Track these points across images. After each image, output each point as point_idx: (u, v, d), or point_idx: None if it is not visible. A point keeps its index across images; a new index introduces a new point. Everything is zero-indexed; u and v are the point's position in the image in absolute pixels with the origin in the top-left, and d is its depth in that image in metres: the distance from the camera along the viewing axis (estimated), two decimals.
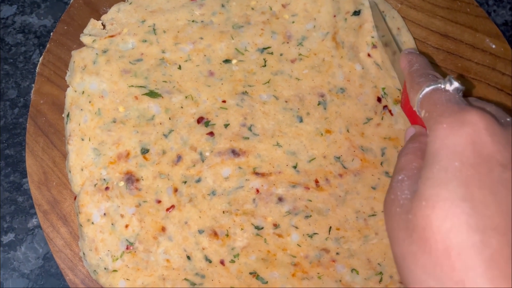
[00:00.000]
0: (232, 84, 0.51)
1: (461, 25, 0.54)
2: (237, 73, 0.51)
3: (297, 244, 0.48)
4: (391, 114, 0.51)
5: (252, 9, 0.53)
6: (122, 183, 0.48)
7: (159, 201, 0.48)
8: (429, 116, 0.33)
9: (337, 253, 0.48)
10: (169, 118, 0.50)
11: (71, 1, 0.54)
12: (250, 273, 0.47)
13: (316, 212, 0.49)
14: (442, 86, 0.34)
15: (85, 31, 0.52)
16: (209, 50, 0.52)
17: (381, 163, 0.50)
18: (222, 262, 0.47)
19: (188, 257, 0.47)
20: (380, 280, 0.48)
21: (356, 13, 0.53)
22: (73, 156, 0.48)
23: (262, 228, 0.48)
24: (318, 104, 0.51)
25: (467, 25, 0.54)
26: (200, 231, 0.48)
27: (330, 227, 0.48)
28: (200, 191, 0.48)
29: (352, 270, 0.48)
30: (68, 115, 0.49)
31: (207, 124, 0.50)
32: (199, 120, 0.50)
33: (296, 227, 0.48)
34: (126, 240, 0.47)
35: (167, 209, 0.48)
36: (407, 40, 0.53)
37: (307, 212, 0.48)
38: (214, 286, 0.47)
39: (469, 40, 0.54)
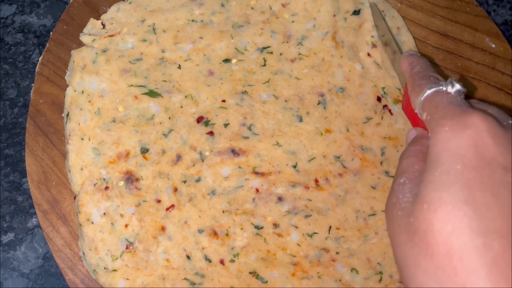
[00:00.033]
0: (232, 84, 0.51)
1: (461, 25, 0.54)
2: (236, 72, 0.51)
3: (297, 244, 0.48)
4: (391, 114, 0.51)
5: (252, 8, 0.53)
6: (121, 183, 0.48)
7: (158, 201, 0.48)
8: (430, 119, 0.33)
9: (337, 253, 0.48)
10: (169, 118, 0.50)
11: (70, 1, 0.54)
12: (250, 273, 0.47)
13: (316, 212, 0.49)
14: (444, 89, 0.34)
15: (85, 30, 0.52)
16: (209, 50, 0.52)
17: (381, 163, 0.50)
18: (221, 262, 0.47)
19: (188, 257, 0.47)
20: (380, 280, 0.48)
21: (356, 12, 0.53)
22: (73, 155, 0.48)
23: (262, 227, 0.48)
24: (318, 104, 0.51)
25: (467, 25, 0.54)
26: (200, 231, 0.48)
27: (330, 227, 0.48)
28: (199, 191, 0.48)
29: (352, 269, 0.48)
30: (67, 115, 0.49)
31: (206, 123, 0.50)
32: (199, 119, 0.50)
33: (296, 227, 0.48)
34: (126, 239, 0.47)
35: (167, 209, 0.48)
36: (406, 40, 0.53)
37: (307, 211, 0.48)
38: (213, 285, 0.47)
39: (469, 40, 0.54)
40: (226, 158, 0.49)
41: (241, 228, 0.48)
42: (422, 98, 0.35)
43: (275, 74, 0.51)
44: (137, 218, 0.47)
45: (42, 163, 0.50)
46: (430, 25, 0.54)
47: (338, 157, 0.50)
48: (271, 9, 0.53)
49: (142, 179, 0.48)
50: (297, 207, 0.48)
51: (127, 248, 0.47)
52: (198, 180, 0.48)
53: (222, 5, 0.53)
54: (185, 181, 0.48)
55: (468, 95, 0.53)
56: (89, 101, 0.49)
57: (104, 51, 0.51)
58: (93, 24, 0.52)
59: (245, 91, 0.51)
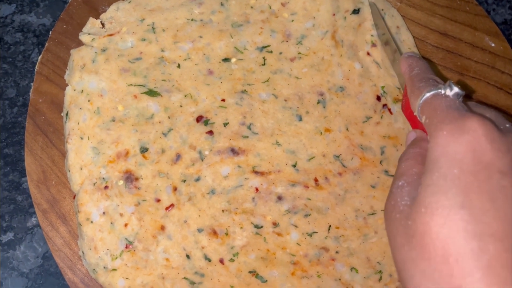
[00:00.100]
0: (232, 83, 0.51)
1: (460, 24, 0.54)
2: (236, 71, 0.51)
3: (297, 243, 0.48)
4: (391, 113, 0.51)
5: (252, 7, 0.53)
6: (121, 182, 0.48)
7: (158, 200, 0.48)
8: (429, 122, 0.33)
9: (337, 252, 0.48)
10: (168, 117, 0.50)
11: (70, 0, 0.54)
12: (250, 272, 0.47)
13: (315, 211, 0.49)
14: (442, 92, 0.34)
15: (84, 30, 0.52)
16: (208, 49, 0.52)
17: (381, 162, 0.50)
18: (221, 261, 0.47)
19: (188, 256, 0.47)
20: (380, 279, 0.48)
21: (356, 11, 0.53)
22: (72, 155, 0.48)
23: (262, 227, 0.48)
24: (318, 103, 0.51)
25: (466, 24, 0.54)
26: (200, 230, 0.48)
27: (330, 226, 0.48)
28: (199, 190, 0.48)
29: (352, 268, 0.48)
30: (67, 114, 0.49)
31: (206, 123, 0.50)
32: (198, 119, 0.50)
33: (296, 226, 0.48)
34: (126, 239, 0.47)
35: (167, 208, 0.48)
36: (406, 39, 0.53)
37: (306, 210, 0.48)
38: (213, 285, 0.47)
39: (469, 39, 0.54)
40: (225, 157, 0.49)
41: (241, 228, 0.48)
42: (421, 101, 0.35)
43: (275, 73, 0.51)
44: (137, 218, 0.47)
45: (41, 163, 0.50)
46: (430, 24, 0.54)
47: (338, 156, 0.50)
48: (270, 8, 0.53)
49: (142, 178, 0.48)
50: (296, 206, 0.48)
51: (126, 247, 0.47)
52: (197, 180, 0.48)
53: (222, 4, 0.53)
54: (184, 181, 0.48)
55: (468, 95, 0.53)
56: (89, 100, 0.49)
57: (104, 50, 0.50)
58: (92, 23, 0.52)
59: (245, 90, 0.51)
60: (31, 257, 0.53)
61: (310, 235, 0.48)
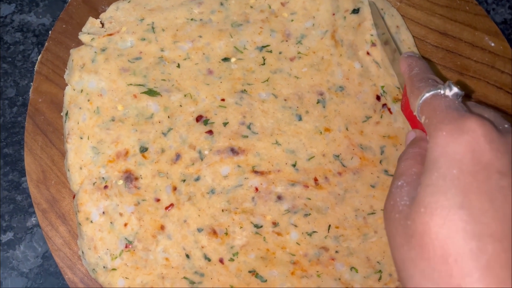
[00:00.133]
0: (231, 83, 0.51)
1: (460, 23, 0.54)
2: (236, 71, 0.51)
3: (296, 243, 0.48)
4: (390, 113, 0.51)
5: (251, 7, 0.53)
6: (121, 182, 0.48)
7: (158, 200, 0.48)
8: (429, 123, 0.34)
9: (336, 252, 0.48)
10: (168, 117, 0.49)
11: (69, 0, 0.54)
12: (249, 272, 0.47)
13: (315, 211, 0.49)
14: (442, 92, 0.35)
15: (84, 29, 0.52)
16: (208, 49, 0.52)
17: (380, 161, 0.50)
18: (221, 261, 0.47)
19: (187, 256, 0.47)
20: (379, 279, 0.48)
21: (355, 11, 0.53)
22: (72, 154, 0.48)
23: (261, 226, 0.48)
24: (317, 103, 0.51)
25: (466, 23, 0.54)
26: (199, 230, 0.48)
27: (329, 226, 0.48)
28: (199, 190, 0.48)
29: (351, 268, 0.48)
30: (66, 114, 0.49)
31: (206, 122, 0.50)
32: (198, 118, 0.50)
33: (295, 226, 0.48)
34: (125, 238, 0.47)
35: (166, 208, 0.48)
36: (406, 38, 0.53)
37: (306, 210, 0.48)
38: (213, 284, 0.47)
39: (468, 38, 0.54)
40: (225, 157, 0.49)
41: (241, 227, 0.48)
42: (420, 101, 0.36)
43: (275, 73, 0.51)
44: (136, 217, 0.47)
45: (41, 162, 0.50)
46: (430, 24, 0.54)
47: (338, 156, 0.50)
48: (270, 8, 0.53)
49: (141, 178, 0.48)
50: (296, 206, 0.48)
51: (126, 247, 0.47)
52: (197, 179, 0.48)
53: (221, 4, 0.53)
54: (184, 180, 0.48)
55: (467, 95, 0.53)
56: (88, 100, 0.49)
57: (103, 50, 0.50)
58: (92, 23, 0.52)
59: (244, 90, 0.51)
60: (31, 257, 0.53)
61: (310, 234, 0.48)
